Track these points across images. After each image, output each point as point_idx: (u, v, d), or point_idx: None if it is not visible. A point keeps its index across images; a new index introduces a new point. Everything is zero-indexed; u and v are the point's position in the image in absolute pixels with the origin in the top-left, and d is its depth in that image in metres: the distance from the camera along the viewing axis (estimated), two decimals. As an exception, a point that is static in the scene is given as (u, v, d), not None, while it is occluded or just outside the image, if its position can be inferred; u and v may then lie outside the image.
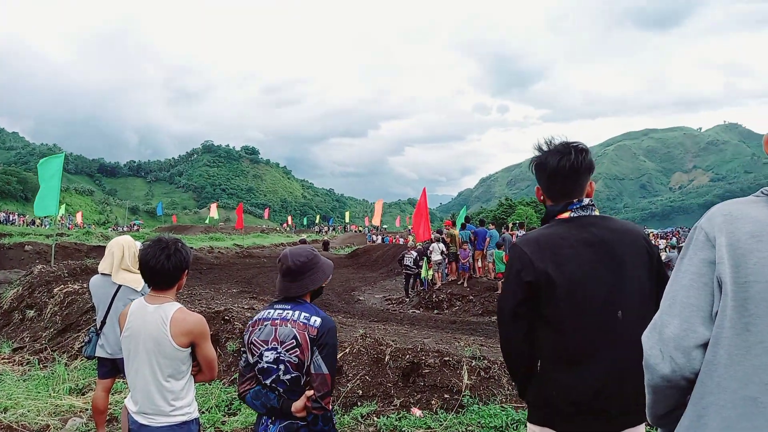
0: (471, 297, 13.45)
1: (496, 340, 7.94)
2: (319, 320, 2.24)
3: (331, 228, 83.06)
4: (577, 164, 1.86)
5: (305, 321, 2.23)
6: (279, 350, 2.19)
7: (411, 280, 15.36)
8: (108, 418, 4.45)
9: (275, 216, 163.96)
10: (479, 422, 4.48)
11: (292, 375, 2.20)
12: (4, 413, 4.72)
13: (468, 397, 4.83)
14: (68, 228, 43.59)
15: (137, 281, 3.93)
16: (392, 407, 4.87)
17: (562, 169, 1.86)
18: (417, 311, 13.15)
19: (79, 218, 59.30)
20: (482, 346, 6.39)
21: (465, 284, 14.38)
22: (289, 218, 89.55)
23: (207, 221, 64.15)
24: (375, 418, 4.61)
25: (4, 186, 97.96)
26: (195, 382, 2.61)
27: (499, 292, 2.11)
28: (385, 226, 60.12)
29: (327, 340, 2.22)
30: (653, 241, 2.00)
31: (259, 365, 2.23)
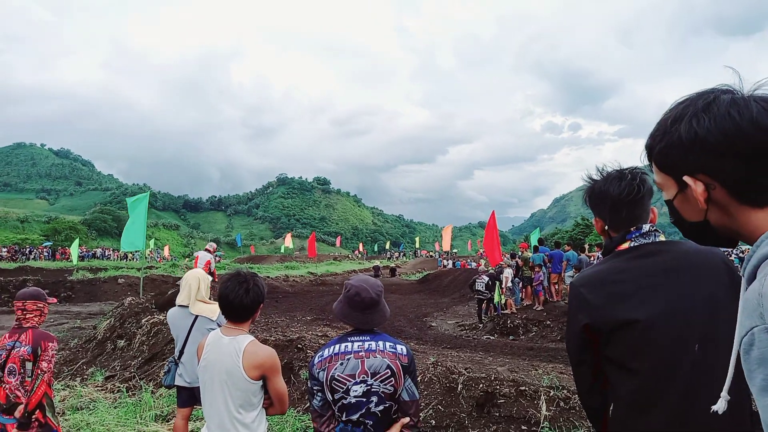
0: (548, 322, 12.90)
1: (577, 368, 7.56)
2: (404, 348, 2.29)
3: (401, 254, 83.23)
4: (640, 189, 1.72)
5: (393, 350, 2.25)
6: (369, 382, 2.18)
7: (484, 305, 15.00)
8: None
9: (347, 243, 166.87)
10: (560, 456, 4.23)
11: (385, 405, 2.20)
12: (97, 439, 5.01)
13: (547, 429, 4.58)
14: (157, 261, 46.48)
15: (213, 311, 4.09)
16: (467, 439, 4.70)
17: (626, 196, 1.72)
18: (491, 337, 12.78)
19: (166, 251, 63.13)
20: (562, 374, 6.08)
21: (539, 308, 13.85)
22: (360, 245, 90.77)
23: (282, 251, 66.26)
24: (449, 451, 4.47)
25: (101, 224, 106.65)
26: (267, 415, 2.64)
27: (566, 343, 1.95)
28: (455, 251, 59.45)
29: (414, 366, 2.28)
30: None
31: (345, 401, 2.19)
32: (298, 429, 5.07)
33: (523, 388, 5.02)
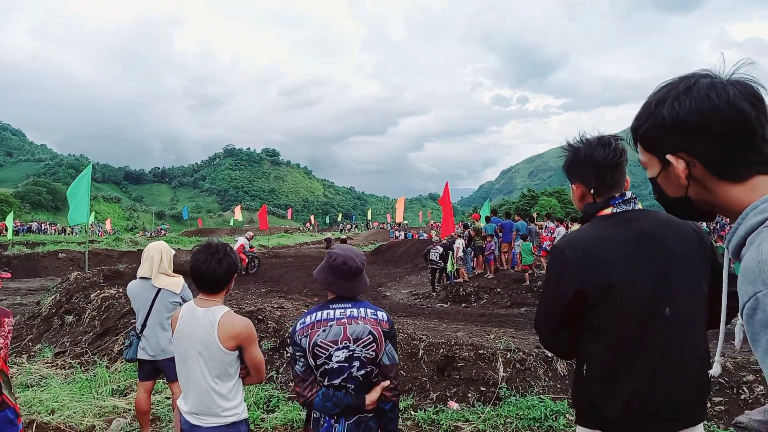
0: (499, 289, 13.37)
1: (527, 332, 7.91)
2: (384, 314, 2.35)
3: (353, 225, 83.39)
4: (621, 154, 1.81)
5: (374, 317, 2.30)
6: (352, 348, 2.23)
7: (437, 275, 15.34)
8: (150, 418, 4.54)
9: (297, 216, 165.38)
10: (517, 414, 4.46)
11: (366, 370, 2.26)
12: (52, 415, 4.87)
13: (505, 389, 4.81)
14: (98, 235, 44.65)
15: (176, 284, 4.01)
16: (429, 401, 4.87)
17: (610, 160, 1.79)
18: (445, 305, 13.12)
19: (108, 225, 60.68)
20: (513, 338, 6.35)
21: (491, 276, 14.32)
22: (312, 217, 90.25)
23: (231, 223, 65.02)
24: (412, 412, 4.62)
25: (35, 197, 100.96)
26: (244, 384, 2.64)
27: (540, 298, 2.00)
28: (406, 222, 60.05)
29: (395, 332, 2.35)
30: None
31: (327, 366, 2.24)
32: (262, 398, 5.10)
33: (482, 351, 5.23)
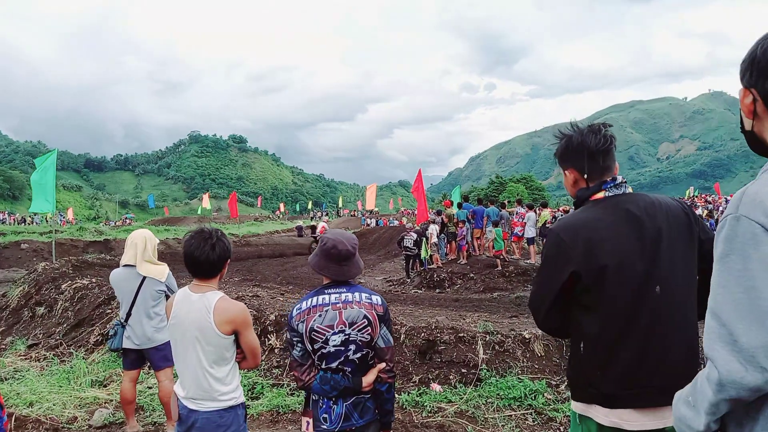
0: (472, 275, 13.61)
1: (501, 315, 8.12)
2: (379, 298, 2.40)
3: (324, 213, 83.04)
4: (611, 141, 1.91)
5: (369, 301, 2.35)
6: (347, 332, 2.28)
7: (411, 261, 15.49)
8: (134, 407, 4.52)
9: (267, 204, 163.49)
10: (498, 394, 4.63)
11: (362, 353, 2.32)
12: (30, 407, 4.79)
13: (485, 370, 4.97)
14: (60, 224, 43.28)
15: (161, 272, 3.99)
16: (412, 384, 4.99)
17: (602, 146, 1.89)
18: (419, 291, 13.29)
19: (70, 214, 58.84)
20: (487, 322, 6.52)
21: (464, 261, 14.55)
22: (282, 205, 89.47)
23: (199, 212, 63.89)
24: (396, 396, 4.73)
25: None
26: (240, 368, 2.67)
27: (535, 280, 2.09)
28: (377, 209, 60.17)
29: (389, 315, 2.41)
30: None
31: (324, 350, 2.29)
32: (246, 385, 5.12)
33: (462, 334, 5.37)
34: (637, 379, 1.76)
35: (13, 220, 51.05)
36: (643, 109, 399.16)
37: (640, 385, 1.76)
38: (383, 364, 2.36)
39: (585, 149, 1.91)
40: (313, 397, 2.37)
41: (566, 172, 2.02)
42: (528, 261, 14.39)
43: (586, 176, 1.94)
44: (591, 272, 1.77)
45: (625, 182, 1.93)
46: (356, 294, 2.36)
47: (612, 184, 1.90)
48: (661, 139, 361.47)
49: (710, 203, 28.27)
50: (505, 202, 16.49)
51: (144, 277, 3.94)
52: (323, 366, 2.32)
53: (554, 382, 4.80)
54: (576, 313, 1.87)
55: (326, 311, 2.30)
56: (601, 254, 1.77)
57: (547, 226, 14.59)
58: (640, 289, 1.76)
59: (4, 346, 7.08)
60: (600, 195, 1.91)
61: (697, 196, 37.76)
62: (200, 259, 2.49)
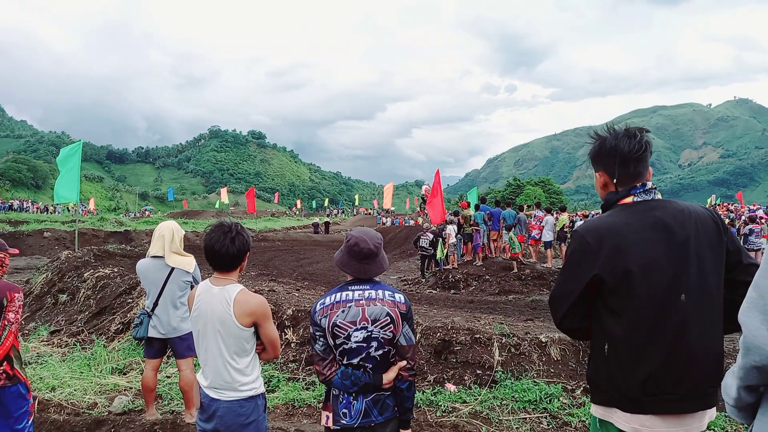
0: (487, 277, 13.56)
1: (516, 318, 8.08)
2: (402, 297, 2.41)
3: (340, 211, 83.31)
4: (646, 147, 1.89)
5: (392, 299, 2.36)
6: (370, 328, 2.30)
7: (427, 261, 15.48)
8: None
9: (284, 200, 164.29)
10: (513, 396, 4.62)
11: (384, 350, 2.33)
12: (53, 392, 4.91)
13: (500, 372, 4.96)
14: (82, 214, 44.04)
15: (188, 264, 4.06)
16: (426, 383, 5.01)
17: (635, 152, 1.87)
18: (434, 291, 13.28)
19: (91, 205, 59.84)
20: (502, 324, 6.50)
21: (479, 263, 14.50)
22: (299, 202, 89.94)
23: (217, 206, 64.52)
24: (411, 394, 4.75)
25: (16, 174, 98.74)
26: (260, 359, 2.71)
27: (557, 280, 2.09)
28: (393, 209, 60.24)
29: (412, 314, 2.41)
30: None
31: (346, 346, 2.31)
32: (262, 378, 5.18)
33: (478, 336, 5.37)
34: (662, 385, 1.75)
35: (36, 208, 52.05)
36: (666, 115, 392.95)
37: (665, 391, 1.75)
38: (404, 362, 2.36)
39: (617, 154, 1.90)
40: (334, 392, 2.39)
41: (597, 173, 2.02)
42: (545, 265, 14.29)
43: (615, 181, 1.93)
44: (615, 277, 1.77)
45: (655, 188, 1.91)
46: (380, 291, 2.38)
47: (641, 190, 1.89)
48: (683, 146, 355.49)
49: (732, 212, 27.80)
50: (524, 205, 16.36)
51: (172, 268, 4.01)
52: (344, 362, 2.34)
53: (570, 387, 4.78)
54: (602, 315, 1.87)
55: (350, 307, 2.32)
56: (626, 259, 1.76)
57: (564, 230, 14.48)
58: (666, 296, 1.75)
59: (27, 332, 7.25)
60: (629, 200, 1.90)
61: (719, 205, 37.11)
62: (221, 252, 2.53)
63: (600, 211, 2.09)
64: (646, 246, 1.77)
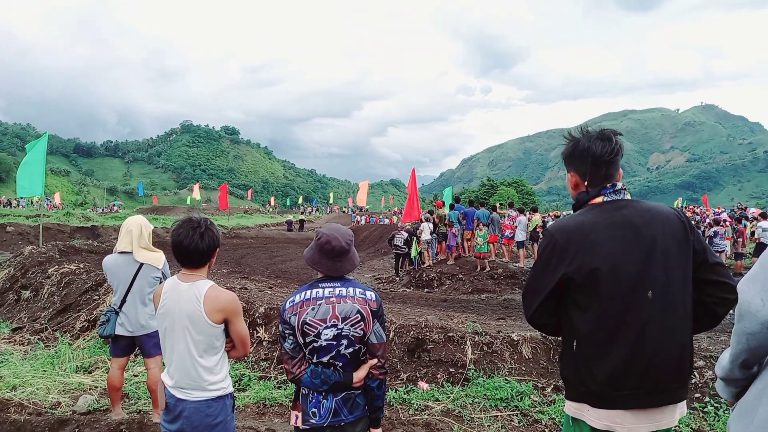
0: (460, 276, 13.65)
1: (488, 317, 8.15)
2: (373, 294, 2.39)
3: (315, 209, 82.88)
4: (618, 151, 1.92)
5: (362, 296, 2.34)
6: (340, 326, 2.27)
7: (401, 260, 15.52)
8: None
9: (257, 197, 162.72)
10: (485, 394, 4.65)
11: (354, 348, 2.31)
12: (14, 391, 4.74)
13: (473, 370, 4.99)
14: (47, 209, 42.78)
15: (158, 259, 3.96)
16: (399, 381, 5.01)
17: (607, 155, 1.90)
18: (407, 290, 13.32)
19: (57, 199, 58.13)
20: (474, 323, 6.54)
21: (452, 262, 14.59)
22: (272, 199, 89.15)
23: (189, 202, 63.45)
24: (383, 392, 4.74)
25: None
26: (229, 358, 2.66)
27: (529, 276, 2.13)
28: (367, 207, 60.17)
29: (383, 311, 2.39)
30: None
31: (316, 344, 2.28)
32: (233, 377, 5.11)
33: (451, 334, 5.39)
34: (627, 380, 1.79)
35: (-1, 202, 50.35)
36: (635, 119, 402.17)
37: (630, 386, 1.79)
38: (375, 360, 2.35)
39: (590, 155, 1.93)
40: (303, 391, 2.36)
41: (569, 174, 2.05)
42: (517, 264, 14.46)
43: (586, 182, 1.96)
44: (582, 274, 1.81)
45: (625, 189, 1.95)
46: (350, 289, 2.35)
47: (611, 190, 1.93)
48: (651, 149, 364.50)
49: (697, 214, 28.60)
50: (497, 204, 16.53)
51: (141, 264, 3.90)
52: (314, 360, 2.30)
53: (541, 385, 4.84)
54: (570, 311, 1.90)
55: (319, 305, 2.29)
56: (593, 257, 1.80)
57: (537, 230, 14.68)
58: (632, 292, 1.79)
59: (-13, 329, 6.99)
60: (599, 200, 1.94)
61: (685, 207, 38.15)
62: (189, 248, 2.47)
63: (571, 211, 2.12)
64: (612, 244, 1.81)
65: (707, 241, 15.28)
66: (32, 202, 43.14)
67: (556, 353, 5.21)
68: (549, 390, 4.75)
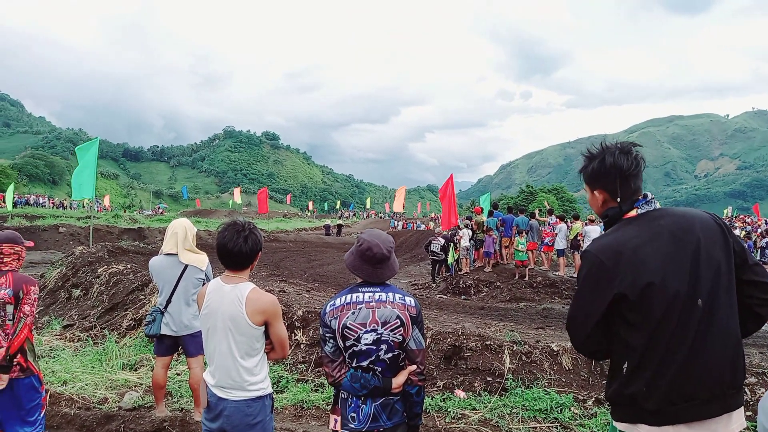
0: (498, 283, 13.47)
1: (527, 326, 8.01)
2: (412, 300, 2.39)
3: (352, 213, 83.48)
4: (640, 161, 1.89)
5: (402, 302, 2.35)
6: (380, 331, 2.28)
7: (438, 266, 15.43)
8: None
9: (296, 201, 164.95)
10: (523, 405, 4.57)
11: (393, 353, 2.32)
12: (65, 386, 4.95)
13: (511, 380, 4.91)
14: (97, 211, 44.54)
15: (201, 261, 4.07)
16: (436, 389, 4.97)
17: (634, 168, 1.87)
18: (444, 296, 13.23)
19: (106, 201, 60.49)
20: (513, 331, 6.44)
21: (489, 269, 14.41)
22: (310, 203, 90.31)
23: (230, 205, 64.92)
24: (420, 399, 4.71)
25: (33, 170, 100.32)
26: (268, 359, 2.70)
27: (573, 302, 2.07)
28: (404, 212, 60.16)
29: (422, 317, 2.39)
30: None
31: (356, 348, 2.30)
32: (271, 379, 5.17)
33: (489, 342, 5.32)
34: (684, 392, 1.74)
35: (52, 203, 52.77)
36: (682, 125, 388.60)
37: (686, 398, 1.74)
38: (414, 366, 2.35)
39: (618, 172, 1.89)
40: (342, 395, 2.38)
41: (595, 192, 1.99)
42: (557, 273, 14.17)
43: (618, 199, 1.92)
44: (636, 291, 1.75)
45: (654, 198, 1.91)
46: (390, 294, 2.36)
47: (643, 201, 1.89)
48: (699, 156, 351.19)
49: (748, 224, 27.39)
50: (536, 211, 16.25)
51: (186, 265, 4.02)
52: (354, 364, 2.32)
53: (581, 397, 4.72)
54: (621, 331, 1.84)
55: (360, 309, 2.31)
56: (644, 272, 1.75)
57: (578, 238, 14.35)
58: (684, 303, 1.75)
59: (41, 325, 7.33)
60: (633, 213, 1.90)
61: (735, 217, 36.59)
62: (233, 250, 2.53)
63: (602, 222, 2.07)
64: (659, 256, 1.77)
65: (759, 252, 14.62)
66: (83, 205, 44.98)
67: (598, 365, 5.08)
68: (590, 402, 4.63)
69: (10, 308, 3.29)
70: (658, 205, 1.90)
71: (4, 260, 3.40)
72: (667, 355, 1.75)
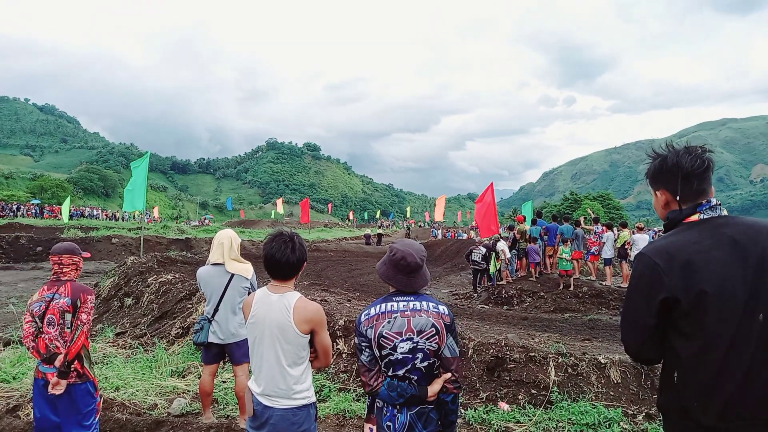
0: (542, 293, 13.18)
1: (572, 338, 7.80)
2: (446, 308, 2.40)
3: (392, 222, 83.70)
4: (708, 163, 1.81)
5: (436, 310, 2.36)
6: (416, 339, 2.30)
7: (479, 276, 15.25)
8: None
9: (336, 211, 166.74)
10: (570, 419, 4.44)
11: (429, 362, 2.32)
12: (117, 392, 5.14)
13: (556, 393, 4.79)
14: (147, 222, 46.24)
15: (247, 270, 4.18)
16: (478, 400, 4.90)
17: (697, 168, 1.80)
18: (486, 307, 13.04)
19: (156, 213, 62.77)
20: (558, 343, 6.29)
21: (534, 279, 14.13)
22: (351, 213, 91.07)
23: (273, 216, 66.17)
24: (462, 411, 4.66)
25: (88, 183, 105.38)
26: (312, 368, 2.74)
27: (625, 308, 1.99)
28: (443, 221, 59.82)
29: (455, 325, 2.40)
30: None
31: (392, 357, 2.31)
32: (315, 387, 5.23)
33: (533, 354, 5.21)
34: (741, 411, 1.65)
35: (105, 215, 55.16)
36: (735, 128, 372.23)
37: (744, 417, 1.65)
38: (449, 374, 2.35)
39: (680, 171, 1.83)
40: (378, 404, 2.39)
41: (657, 192, 1.94)
42: (604, 283, 13.76)
43: (678, 198, 1.85)
44: (688, 298, 1.68)
45: (720, 204, 1.82)
46: (424, 303, 2.38)
47: (707, 206, 1.81)
48: (755, 161, 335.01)
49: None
50: (581, 219, 15.86)
51: (232, 275, 4.14)
52: (390, 373, 2.33)
53: (631, 412, 4.55)
54: (672, 339, 1.77)
55: (395, 318, 2.32)
56: (699, 280, 1.67)
57: (626, 247, 13.91)
58: (742, 317, 1.65)
59: (95, 333, 7.64)
60: (695, 217, 1.81)
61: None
62: (281, 261, 2.59)
63: (662, 229, 1.99)
64: (719, 265, 1.68)
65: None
66: (134, 216, 46.81)
67: (647, 378, 4.90)
68: (640, 418, 4.46)
69: (68, 316, 3.46)
70: (724, 213, 1.82)
71: (64, 270, 3.58)
72: (722, 369, 1.66)
